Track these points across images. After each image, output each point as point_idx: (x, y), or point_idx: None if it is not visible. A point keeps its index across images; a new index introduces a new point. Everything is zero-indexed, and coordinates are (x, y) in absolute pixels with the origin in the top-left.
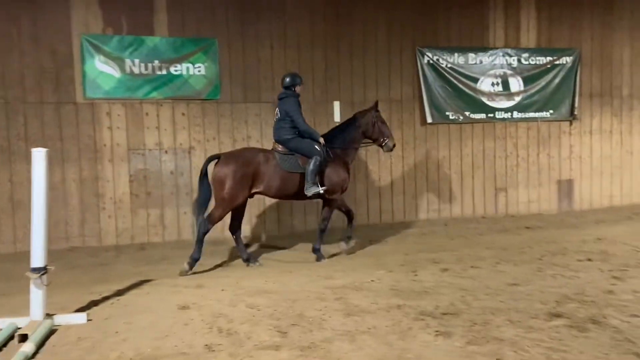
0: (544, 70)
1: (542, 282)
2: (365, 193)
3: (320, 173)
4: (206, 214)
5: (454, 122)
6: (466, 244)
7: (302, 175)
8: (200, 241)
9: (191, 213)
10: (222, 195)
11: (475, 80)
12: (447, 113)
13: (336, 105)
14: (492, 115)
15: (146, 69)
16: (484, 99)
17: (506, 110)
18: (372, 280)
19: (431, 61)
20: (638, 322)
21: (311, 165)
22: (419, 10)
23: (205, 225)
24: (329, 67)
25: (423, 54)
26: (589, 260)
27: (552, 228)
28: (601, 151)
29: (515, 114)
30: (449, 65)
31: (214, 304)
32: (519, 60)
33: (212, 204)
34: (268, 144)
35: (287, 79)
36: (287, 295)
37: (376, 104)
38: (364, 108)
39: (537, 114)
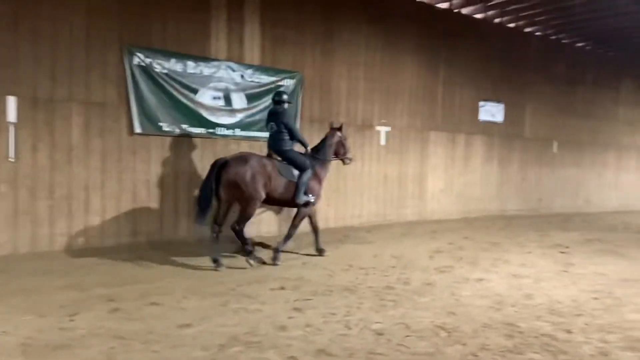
0: (268, 90)
1: (220, 319)
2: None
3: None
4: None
5: (168, 134)
6: (167, 273)
7: (294, 184)
8: (241, 238)
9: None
10: (246, 194)
11: (195, 91)
12: (160, 124)
13: (11, 100)
14: (212, 130)
15: None
16: (204, 113)
17: (228, 127)
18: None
19: (143, 63)
20: None
21: (304, 177)
22: (129, 1)
23: (238, 229)
24: None
25: (132, 54)
26: (282, 288)
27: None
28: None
29: (238, 132)
30: (164, 71)
31: None
32: (242, 77)
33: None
34: None
35: (284, 96)
36: None
37: (341, 125)
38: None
39: (259, 133)
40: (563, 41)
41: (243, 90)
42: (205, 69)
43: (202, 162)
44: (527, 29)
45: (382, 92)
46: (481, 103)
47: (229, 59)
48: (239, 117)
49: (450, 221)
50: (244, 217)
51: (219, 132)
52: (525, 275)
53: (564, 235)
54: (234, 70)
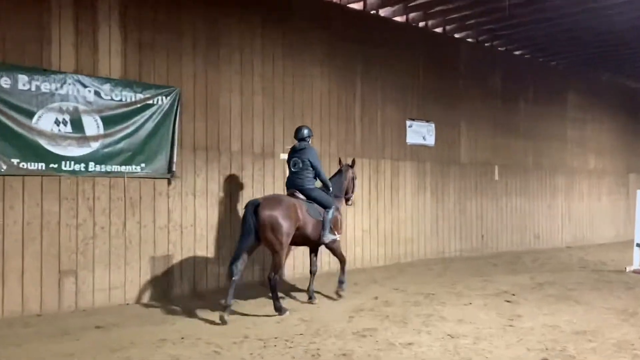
0: (133, 111)
1: None
2: None
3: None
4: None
5: None
6: None
7: (320, 223)
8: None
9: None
10: (279, 238)
11: (30, 114)
12: None
13: None
14: (55, 165)
15: None
16: (44, 142)
17: (78, 160)
18: None
19: None
20: None
21: (330, 215)
22: None
23: (274, 279)
24: None
25: None
26: None
27: (133, 325)
28: (207, 218)
29: (92, 166)
30: None
31: None
32: (97, 94)
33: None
34: None
35: (305, 131)
36: None
37: (353, 162)
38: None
39: (123, 168)
40: (499, 49)
41: (98, 111)
42: (44, 85)
43: (41, 207)
44: (457, 35)
45: (285, 111)
46: (408, 123)
47: (77, 71)
48: (93, 146)
49: (377, 269)
50: (277, 266)
51: (65, 168)
52: (463, 334)
53: (510, 280)
54: (85, 86)
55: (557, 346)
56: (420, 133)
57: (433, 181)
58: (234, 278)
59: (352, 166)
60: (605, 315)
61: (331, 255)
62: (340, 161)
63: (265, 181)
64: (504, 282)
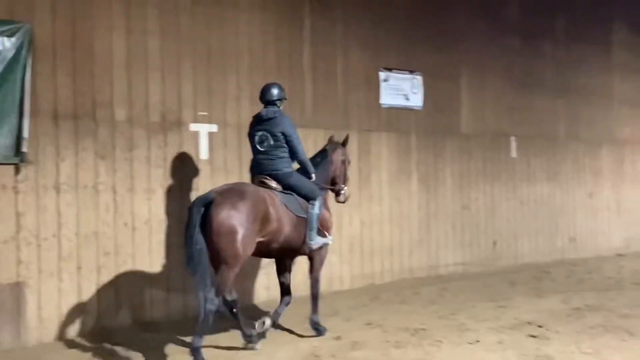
0: None
1: None
2: None
3: None
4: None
5: None
6: None
7: (303, 222)
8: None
9: None
10: (232, 251)
11: None
12: None
13: None
14: None
15: None
16: None
17: None
18: None
19: None
20: None
21: (316, 208)
22: None
23: (215, 301)
24: None
25: None
26: None
27: None
28: (78, 226)
29: None
30: None
31: None
32: None
33: None
34: None
35: (275, 91)
36: None
37: (347, 138)
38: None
39: None
40: None
41: None
42: None
43: None
44: None
45: (197, 60)
46: (383, 74)
47: None
48: None
49: (340, 295)
50: (224, 284)
51: None
52: None
53: (535, 305)
54: None
55: None
56: (401, 90)
57: (421, 162)
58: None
59: (343, 145)
60: None
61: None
62: (331, 139)
63: (168, 166)
64: (527, 309)
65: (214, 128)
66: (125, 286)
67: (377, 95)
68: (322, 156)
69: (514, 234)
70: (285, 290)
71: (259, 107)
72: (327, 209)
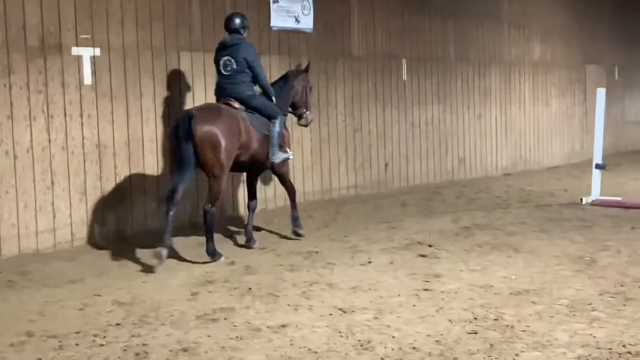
0: None
1: None
2: None
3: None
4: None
5: None
6: None
7: (266, 138)
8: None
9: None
10: (220, 159)
11: None
12: None
13: None
14: None
15: None
16: None
17: None
18: None
19: None
20: None
21: (277, 127)
22: None
23: (211, 212)
24: None
25: None
26: None
27: None
28: None
29: None
30: None
31: None
32: None
33: None
34: None
35: (237, 20)
36: None
37: (308, 65)
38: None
39: None
40: None
41: None
42: None
43: None
44: None
45: None
46: None
47: None
48: None
49: (235, 220)
50: (215, 196)
51: None
52: (359, 306)
53: (426, 225)
54: None
55: (490, 313)
56: (291, 12)
57: (313, 85)
58: (170, 213)
59: (305, 71)
60: (554, 267)
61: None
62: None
63: (49, 92)
64: (417, 229)
65: (97, 52)
66: (10, 216)
67: (267, 18)
68: (283, 81)
69: (405, 156)
70: (251, 196)
71: (147, 32)
72: (286, 128)
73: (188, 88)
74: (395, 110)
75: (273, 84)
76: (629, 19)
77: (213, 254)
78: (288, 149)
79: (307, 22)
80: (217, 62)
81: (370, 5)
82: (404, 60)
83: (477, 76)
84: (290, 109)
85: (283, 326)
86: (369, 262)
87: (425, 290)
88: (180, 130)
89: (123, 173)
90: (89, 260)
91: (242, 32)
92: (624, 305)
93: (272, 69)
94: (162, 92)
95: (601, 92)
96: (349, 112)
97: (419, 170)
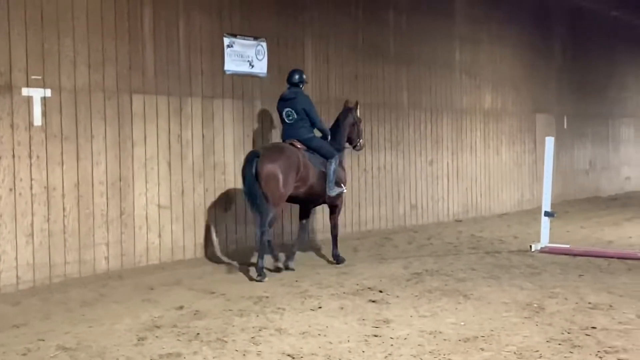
0: None
1: None
2: None
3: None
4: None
5: None
6: None
7: (323, 174)
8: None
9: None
10: (277, 191)
11: None
12: None
13: None
14: None
15: None
16: None
17: None
18: None
19: None
20: None
21: (333, 165)
22: None
23: (269, 231)
24: None
25: None
26: None
27: None
28: None
29: None
30: None
31: None
32: None
33: None
34: None
35: (297, 76)
36: None
37: (356, 104)
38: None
39: None
40: None
41: None
42: None
43: None
44: None
45: (29, 17)
46: (227, 40)
47: None
48: None
49: (183, 264)
50: (273, 218)
51: None
52: (308, 352)
53: (377, 271)
54: None
55: None
56: (246, 56)
57: (266, 129)
58: (264, 238)
59: (353, 109)
60: (503, 314)
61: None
62: (345, 104)
63: None
64: (368, 274)
65: (48, 92)
66: None
67: (221, 62)
68: (337, 123)
69: (357, 201)
70: (303, 232)
71: (100, 74)
72: (343, 167)
73: (140, 130)
74: (348, 155)
75: (330, 128)
76: (577, 70)
77: (260, 272)
78: (343, 185)
79: (261, 67)
80: (280, 111)
81: (325, 51)
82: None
83: (429, 123)
84: (347, 143)
85: None
86: (319, 307)
87: (375, 336)
88: (248, 169)
89: (72, 215)
90: (34, 303)
91: (300, 85)
92: (571, 352)
93: (224, 112)
94: (114, 134)
95: (550, 141)
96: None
97: (371, 215)
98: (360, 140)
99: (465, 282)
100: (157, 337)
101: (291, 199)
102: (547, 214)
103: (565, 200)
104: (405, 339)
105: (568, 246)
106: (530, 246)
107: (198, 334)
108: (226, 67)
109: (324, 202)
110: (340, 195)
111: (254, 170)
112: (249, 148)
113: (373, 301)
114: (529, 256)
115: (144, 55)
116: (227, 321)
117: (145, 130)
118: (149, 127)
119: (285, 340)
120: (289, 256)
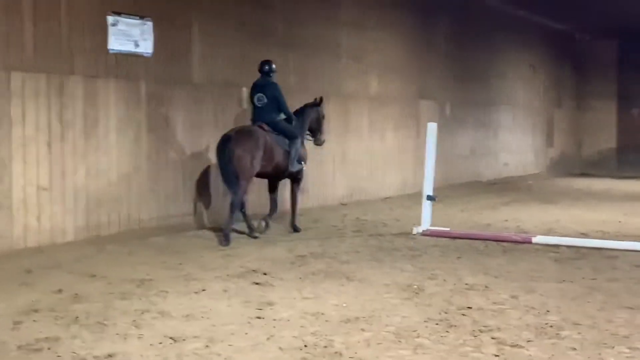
0: None
1: None
2: None
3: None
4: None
5: None
6: None
7: (287, 153)
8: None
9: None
10: (248, 169)
11: None
12: None
13: None
14: None
15: None
16: None
17: None
18: None
19: None
20: None
21: (297, 144)
22: None
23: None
24: None
25: None
26: None
27: None
28: None
29: None
30: None
31: None
32: None
33: None
34: None
35: (266, 67)
36: None
37: (320, 99)
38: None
39: None
40: None
41: None
42: None
43: None
44: None
45: None
46: (111, 19)
47: None
48: None
49: (63, 248)
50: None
51: None
52: (191, 335)
53: (262, 253)
54: None
55: (320, 341)
56: (131, 35)
57: (151, 111)
58: (236, 208)
59: (317, 105)
60: (384, 295)
61: None
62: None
63: None
64: (253, 257)
65: None
66: None
67: (105, 40)
68: (301, 112)
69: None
70: (273, 204)
71: None
72: (304, 147)
73: (19, 109)
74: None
75: (294, 112)
76: (460, 58)
77: (226, 235)
78: (303, 162)
79: (146, 47)
80: (252, 96)
81: (211, 33)
82: (244, 89)
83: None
84: (307, 133)
85: (110, 356)
86: (203, 290)
87: (258, 318)
88: (223, 149)
89: None
90: None
91: (270, 74)
92: (447, 332)
93: (108, 92)
94: None
95: (432, 127)
96: (188, 138)
97: (257, 199)
98: (321, 135)
99: (348, 264)
100: (34, 321)
101: (260, 175)
102: (428, 197)
103: (446, 185)
104: (288, 320)
105: (448, 229)
106: (412, 229)
107: (77, 317)
108: (110, 46)
109: (289, 177)
110: (301, 170)
111: (226, 151)
112: (134, 129)
113: (257, 283)
114: (410, 239)
115: (22, 30)
116: (108, 304)
117: (24, 109)
118: (28, 105)
119: (167, 323)
120: (266, 221)
